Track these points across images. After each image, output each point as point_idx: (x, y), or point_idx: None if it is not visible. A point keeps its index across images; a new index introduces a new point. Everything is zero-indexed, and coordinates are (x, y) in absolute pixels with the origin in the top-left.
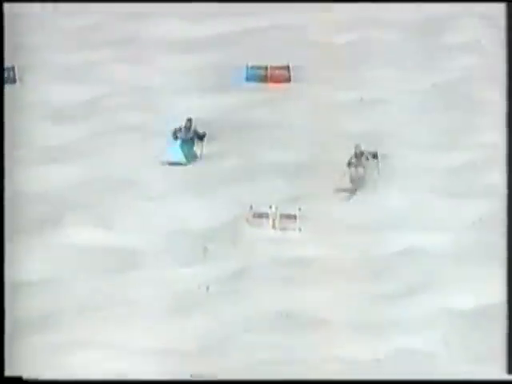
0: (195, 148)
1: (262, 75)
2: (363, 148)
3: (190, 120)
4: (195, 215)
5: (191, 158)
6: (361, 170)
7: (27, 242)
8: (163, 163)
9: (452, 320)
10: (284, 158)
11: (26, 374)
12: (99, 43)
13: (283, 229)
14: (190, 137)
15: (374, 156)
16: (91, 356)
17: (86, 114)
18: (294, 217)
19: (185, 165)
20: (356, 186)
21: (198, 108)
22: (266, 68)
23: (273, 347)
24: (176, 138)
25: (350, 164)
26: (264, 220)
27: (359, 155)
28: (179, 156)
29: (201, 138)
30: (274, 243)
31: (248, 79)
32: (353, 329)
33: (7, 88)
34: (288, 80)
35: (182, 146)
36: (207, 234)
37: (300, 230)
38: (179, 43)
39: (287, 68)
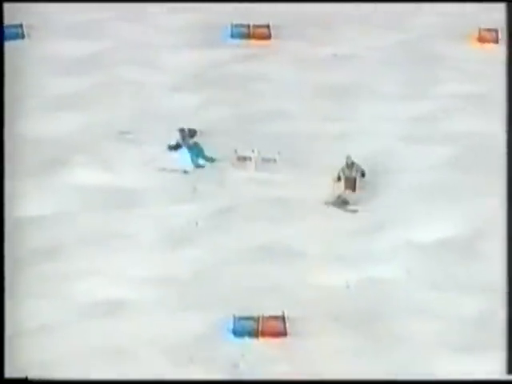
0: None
1: (245, 33)
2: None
3: (182, 130)
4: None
5: (200, 162)
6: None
7: (36, 181)
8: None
9: (414, 252)
10: (266, 108)
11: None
12: (102, 4)
13: (264, 171)
14: (194, 142)
15: (363, 174)
16: (92, 283)
17: (90, 67)
18: (274, 160)
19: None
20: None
21: (188, 62)
22: (249, 26)
23: (256, 276)
24: (176, 149)
25: (339, 178)
26: (247, 163)
27: (350, 166)
28: (187, 162)
29: (192, 135)
30: (256, 184)
31: (233, 36)
32: (326, 260)
33: (17, 43)
34: (268, 37)
35: (190, 153)
36: (196, 176)
37: (279, 172)
38: (175, 4)
39: (267, 27)
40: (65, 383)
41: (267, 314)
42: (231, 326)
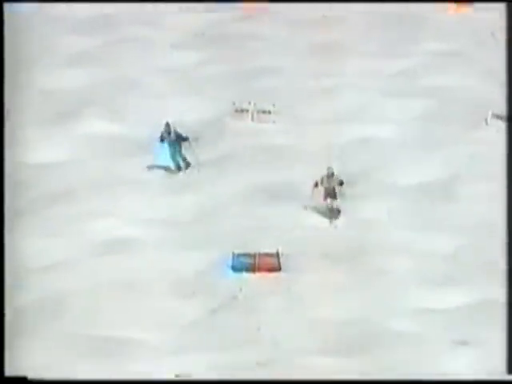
0: (184, 154)
1: None
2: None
3: (167, 124)
4: (189, 111)
5: (182, 164)
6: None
7: (50, 131)
8: (150, 167)
9: (395, 195)
10: (262, 64)
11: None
12: None
13: (260, 121)
14: (174, 139)
15: (341, 183)
16: (102, 223)
17: (99, 27)
18: (269, 112)
19: (174, 172)
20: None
21: (190, 23)
22: None
23: (252, 217)
24: (162, 140)
25: (316, 185)
26: (245, 114)
27: (330, 176)
28: (167, 161)
29: (184, 140)
30: (252, 133)
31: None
32: (316, 202)
33: (32, 5)
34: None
35: (169, 150)
36: (199, 126)
37: (274, 122)
38: None
39: None
40: (65, 383)
41: (263, 251)
42: (230, 263)
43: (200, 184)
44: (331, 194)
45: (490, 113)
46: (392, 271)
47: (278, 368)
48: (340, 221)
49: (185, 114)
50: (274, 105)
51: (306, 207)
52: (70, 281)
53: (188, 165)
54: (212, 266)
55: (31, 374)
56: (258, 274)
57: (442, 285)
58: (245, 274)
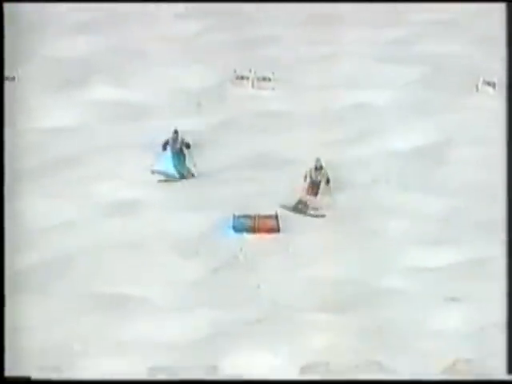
0: (187, 162)
1: None
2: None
3: (176, 132)
4: (191, 77)
5: (184, 172)
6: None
7: (57, 97)
8: (153, 172)
9: (390, 158)
10: (262, 33)
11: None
12: None
13: (260, 88)
14: (179, 148)
15: (328, 180)
16: (108, 186)
17: None
18: (269, 79)
19: (176, 180)
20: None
21: None
22: None
23: (253, 181)
24: (165, 149)
25: (305, 178)
26: (245, 81)
27: (318, 169)
28: (170, 169)
29: (187, 146)
30: (253, 99)
31: None
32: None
33: None
34: None
35: (172, 159)
36: (200, 92)
37: (273, 89)
38: None
39: None
40: (65, 383)
41: (263, 213)
42: (231, 224)
43: (202, 149)
44: (315, 190)
45: (481, 79)
46: (387, 231)
47: (276, 324)
48: (335, 182)
49: (188, 81)
50: (273, 72)
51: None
52: (76, 240)
53: (192, 175)
54: (213, 227)
55: (37, 328)
56: (257, 235)
57: (434, 244)
58: (245, 235)
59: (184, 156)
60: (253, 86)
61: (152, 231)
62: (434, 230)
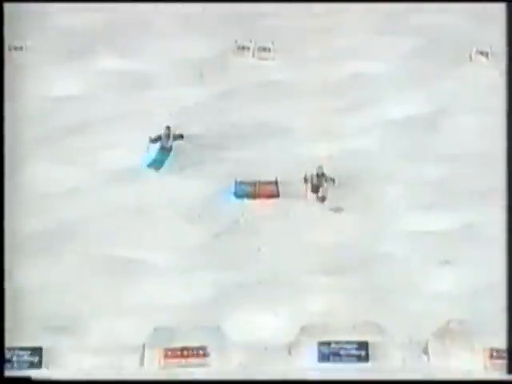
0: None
1: None
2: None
3: (168, 128)
4: (194, 48)
5: (158, 168)
6: (321, 190)
7: (65, 67)
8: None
9: (386, 127)
10: (262, 4)
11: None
12: None
13: (260, 59)
14: (170, 145)
15: (333, 180)
16: (113, 153)
17: None
18: (269, 49)
19: (157, 169)
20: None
21: None
22: None
23: (253, 148)
24: (155, 141)
25: (306, 180)
26: (246, 51)
27: (320, 176)
28: (156, 160)
29: (181, 137)
30: (253, 69)
31: None
32: (313, 134)
33: None
34: None
35: (157, 153)
36: (203, 63)
37: (273, 59)
38: None
39: None
40: (65, 383)
41: (263, 179)
42: (233, 190)
43: (204, 117)
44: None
45: (474, 49)
46: (383, 197)
47: (277, 286)
48: (335, 151)
49: (191, 51)
50: (273, 42)
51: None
52: (82, 206)
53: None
54: (216, 193)
55: (45, 291)
56: (258, 200)
57: (428, 210)
58: (246, 200)
59: (168, 154)
60: (253, 55)
61: (156, 197)
62: (428, 196)
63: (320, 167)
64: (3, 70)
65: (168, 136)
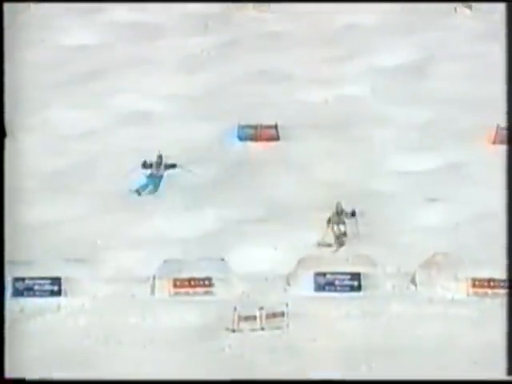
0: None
1: None
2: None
3: (160, 156)
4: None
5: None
6: (342, 227)
7: (81, 19)
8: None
9: (377, 74)
10: None
11: None
12: None
13: (260, 11)
14: (161, 174)
15: (353, 214)
16: (126, 98)
17: None
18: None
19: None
20: (340, 241)
21: None
22: None
23: (255, 94)
24: (145, 167)
25: (330, 221)
26: (247, 4)
27: (340, 213)
28: (147, 186)
29: (173, 166)
30: (255, 21)
31: None
32: (310, 81)
33: None
34: None
35: (146, 179)
36: (207, 15)
37: (273, 12)
38: None
39: None
40: (65, 383)
41: (264, 123)
42: (236, 133)
43: (209, 65)
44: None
45: (459, 3)
46: (374, 139)
47: (277, 222)
48: (330, 96)
49: (196, 5)
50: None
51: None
52: (98, 146)
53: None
54: (220, 136)
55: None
56: (259, 143)
57: (416, 151)
58: (248, 143)
59: (158, 182)
60: (253, 8)
61: (165, 139)
62: (416, 138)
63: (339, 204)
64: (3, 71)
65: (159, 164)
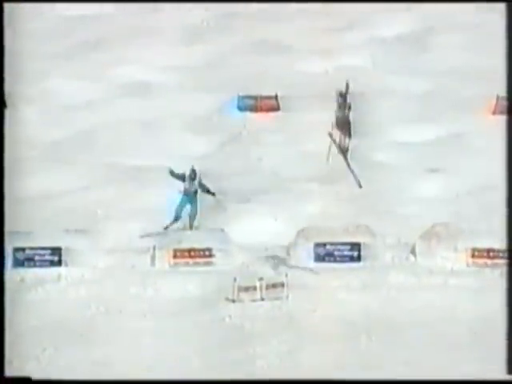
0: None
1: None
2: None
3: (194, 170)
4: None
5: (180, 215)
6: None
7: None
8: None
9: (378, 45)
10: None
11: None
12: None
13: None
14: (195, 189)
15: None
16: (127, 69)
17: None
18: None
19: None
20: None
21: None
22: None
23: (255, 65)
24: (176, 176)
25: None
26: None
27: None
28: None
29: (208, 191)
30: None
31: None
32: (310, 52)
33: None
34: None
35: (183, 201)
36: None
37: None
38: None
39: None
40: (65, 383)
41: (264, 94)
42: (236, 103)
43: (209, 36)
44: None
45: None
46: (375, 110)
47: (276, 193)
48: (330, 67)
49: None
50: None
51: None
52: (97, 117)
53: (191, 226)
54: (220, 107)
55: (65, 195)
56: (259, 114)
57: (417, 121)
58: (248, 113)
59: (196, 203)
60: None
61: (166, 110)
62: (417, 108)
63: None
64: (3, 71)
65: (193, 179)
